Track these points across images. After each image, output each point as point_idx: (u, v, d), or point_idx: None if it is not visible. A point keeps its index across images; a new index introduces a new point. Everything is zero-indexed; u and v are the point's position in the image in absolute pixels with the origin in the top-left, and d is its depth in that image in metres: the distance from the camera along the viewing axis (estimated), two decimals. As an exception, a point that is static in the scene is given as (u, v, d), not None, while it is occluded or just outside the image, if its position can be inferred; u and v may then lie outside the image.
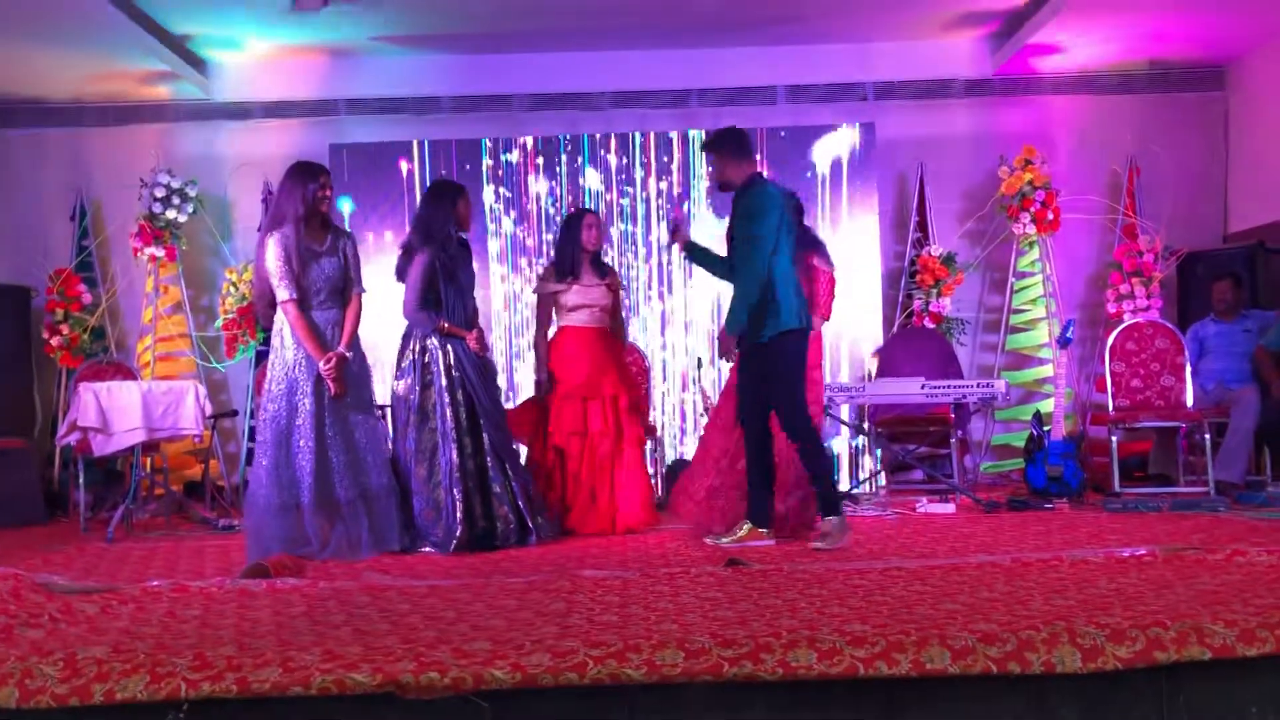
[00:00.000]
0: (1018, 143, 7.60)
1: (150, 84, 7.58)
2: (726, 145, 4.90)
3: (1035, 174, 7.38)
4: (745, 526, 4.88)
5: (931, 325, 7.47)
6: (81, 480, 6.33)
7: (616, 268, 6.61)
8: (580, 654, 2.53)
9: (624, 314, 5.95)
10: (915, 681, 2.52)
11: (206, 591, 3.70)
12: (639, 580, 3.69)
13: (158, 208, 7.44)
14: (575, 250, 5.59)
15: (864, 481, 7.18)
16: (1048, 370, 7.52)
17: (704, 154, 5.02)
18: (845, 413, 6.93)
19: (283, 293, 4.71)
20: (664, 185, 7.49)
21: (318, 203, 4.78)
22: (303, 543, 4.66)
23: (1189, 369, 6.75)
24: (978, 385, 6.14)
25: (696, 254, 5.10)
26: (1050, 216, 7.42)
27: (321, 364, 4.69)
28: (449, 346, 5.10)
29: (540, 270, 6.06)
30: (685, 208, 5.62)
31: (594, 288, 5.60)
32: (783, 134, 7.52)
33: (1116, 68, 7.85)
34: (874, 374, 7.31)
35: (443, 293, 5.10)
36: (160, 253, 7.50)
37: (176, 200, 7.47)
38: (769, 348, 4.76)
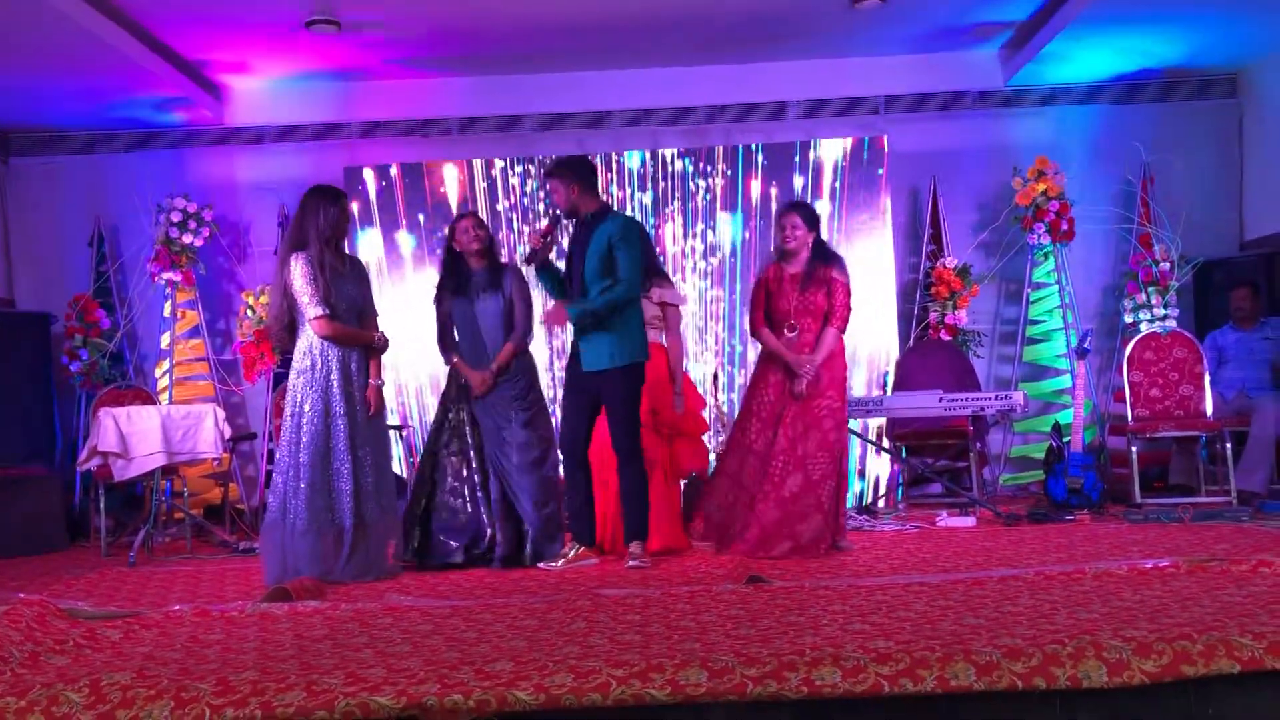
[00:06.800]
0: (1031, 154, 7.58)
1: (165, 109, 7.63)
2: (581, 173, 4.99)
3: (1049, 184, 7.37)
4: (576, 547, 5.00)
5: (948, 338, 7.45)
6: (102, 505, 6.35)
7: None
8: (603, 674, 2.53)
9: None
10: (940, 698, 2.51)
11: (228, 615, 3.71)
12: (660, 599, 3.68)
13: (174, 232, 7.48)
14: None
15: (883, 496, 7.16)
16: (1065, 381, 7.49)
17: (550, 180, 5.05)
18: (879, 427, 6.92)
19: (314, 309, 4.66)
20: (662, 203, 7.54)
21: (340, 224, 4.79)
22: (331, 566, 4.64)
23: (1208, 378, 6.71)
24: (996, 397, 6.12)
25: (549, 271, 5.09)
26: (1065, 227, 7.40)
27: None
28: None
29: None
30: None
31: (646, 300, 5.59)
32: (794, 148, 7.54)
33: (1128, 77, 7.83)
34: (891, 387, 7.30)
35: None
36: (177, 277, 7.55)
37: (192, 225, 7.51)
38: (615, 374, 4.87)
